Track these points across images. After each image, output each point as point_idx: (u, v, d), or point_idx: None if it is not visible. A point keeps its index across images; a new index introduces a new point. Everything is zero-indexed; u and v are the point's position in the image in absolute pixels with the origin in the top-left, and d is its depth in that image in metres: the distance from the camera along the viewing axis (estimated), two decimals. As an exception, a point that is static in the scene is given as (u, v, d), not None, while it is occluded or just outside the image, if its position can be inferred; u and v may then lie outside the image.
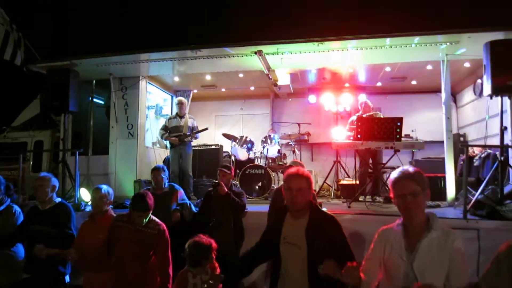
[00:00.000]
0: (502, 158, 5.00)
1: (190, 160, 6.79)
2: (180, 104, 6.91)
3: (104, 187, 3.84)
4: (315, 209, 2.77)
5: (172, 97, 9.07)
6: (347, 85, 8.78)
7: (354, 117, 7.01)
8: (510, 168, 5.50)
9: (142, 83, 7.50)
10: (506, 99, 5.38)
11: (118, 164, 7.20)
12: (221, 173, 4.85)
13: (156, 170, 4.71)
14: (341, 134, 7.46)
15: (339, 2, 5.24)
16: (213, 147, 7.81)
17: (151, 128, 8.13)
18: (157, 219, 3.58)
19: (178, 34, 5.80)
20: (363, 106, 7.01)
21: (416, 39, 5.40)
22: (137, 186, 6.56)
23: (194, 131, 6.80)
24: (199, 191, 6.83)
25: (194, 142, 7.35)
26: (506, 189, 5.18)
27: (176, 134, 6.69)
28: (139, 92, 7.41)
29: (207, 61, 6.47)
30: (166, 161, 7.39)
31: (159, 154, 8.00)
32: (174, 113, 7.27)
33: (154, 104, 8.93)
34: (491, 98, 4.97)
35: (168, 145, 7.16)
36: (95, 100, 7.74)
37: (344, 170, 8.12)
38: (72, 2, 6.15)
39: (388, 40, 5.49)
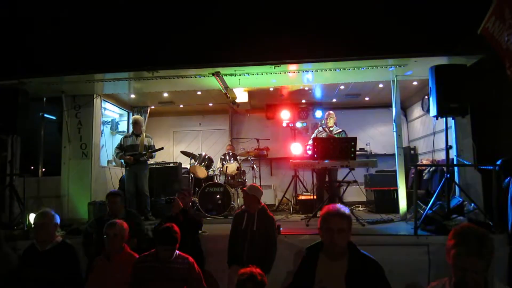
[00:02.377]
0: (448, 175, 5.27)
1: (146, 179, 6.64)
2: (134, 123, 6.75)
3: (120, 223, 3.55)
4: (355, 250, 2.57)
5: (128, 113, 8.86)
6: (304, 101, 9.00)
7: (319, 129, 7.18)
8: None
9: (97, 101, 7.27)
10: (450, 118, 5.72)
11: (71, 185, 6.89)
12: (180, 196, 4.78)
13: (111, 196, 4.52)
14: (299, 150, 7.62)
15: (295, 28, 5.35)
16: (172, 164, 7.69)
17: (106, 146, 7.89)
18: (182, 253, 3.42)
19: (134, 55, 5.67)
20: (327, 118, 7.15)
21: (367, 62, 5.64)
22: (91, 209, 6.32)
23: (149, 150, 6.67)
24: (158, 211, 6.69)
25: (151, 160, 7.21)
26: (453, 203, 5.49)
27: (131, 153, 6.53)
28: (94, 111, 7.16)
29: (165, 80, 6.40)
30: (122, 180, 7.19)
31: (115, 173, 7.76)
32: (130, 131, 7.09)
33: (110, 119, 8.72)
34: (436, 119, 5.25)
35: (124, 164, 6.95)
36: (47, 115, 7.40)
37: (303, 184, 8.28)
38: (22, 21, 5.86)
39: (341, 63, 5.70)
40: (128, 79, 6.47)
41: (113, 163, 7.98)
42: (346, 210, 2.60)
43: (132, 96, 7.95)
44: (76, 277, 3.50)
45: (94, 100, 7.20)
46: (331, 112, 7.16)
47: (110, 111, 8.60)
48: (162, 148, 6.89)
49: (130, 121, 7.17)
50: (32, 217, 5.79)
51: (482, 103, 5.84)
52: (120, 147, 6.66)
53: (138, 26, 5.66)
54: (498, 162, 4.88)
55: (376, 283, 2.45)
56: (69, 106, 7.10)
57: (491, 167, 4.89)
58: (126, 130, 8.65)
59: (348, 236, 2.53)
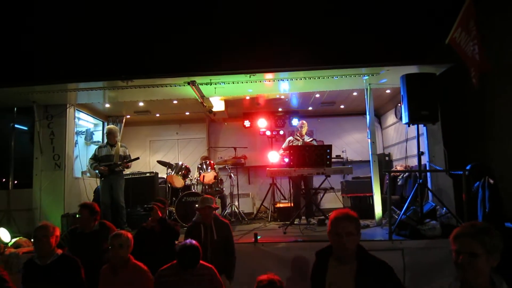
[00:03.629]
0: (420, 181, 5.39)
1: (122, 190, 6.51)
2: (109, 133, 6.62)
3: (125, 233, 3.45)
4: (363, 253, 2.57)
5: (103, 123, 8.70)
6: (280, 109, 9.06)
7: (292, 137, 7.22)
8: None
9: (70, 111, 7.09)
10: (422, 125, 5.88)
11: (43, 197, 6.68)
12: (155, 207, 4.72)
13: (83, 208, 4.39)
14: (276, 158, 7.65)
15: (269, 38, 5.42)
16: (148, 174, 7.56)
17: (80, 156, 7.71)
18: (204, 262, 3.36)
19: (109, 63, 5.61)
20: (300, 126, 7.21)
21: (341, 71, 5.75)
22: (65, 221, 6.15)
23: (125, 160, 6.56)
24: (134, 222, 6.57)
25: (127, 170, 7.09)
26: (426, 208, 5.62)
27: (106, 163, 6.41)
28: (67, 121, 6.98)
29: (140, 90, 6.34)
30: (97, 191, 7.03)
31: (90, 184, 7.58)
32: (104, 142, 6.96)
33: (84, 129, 8.54)
34: (408, 126, 5.38)
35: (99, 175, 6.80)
36: (18, 126, 7.18)
37: (280, 192, 8.30)
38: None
39: (315, 72, 5.78)
40: (103, 89, 6.35)
41: (88, 174, 7.80)
42: (353, 213, 2.60)
43: (107, 105, 7.81)
44: None
45: (67, 110, 7.03)
46: (304, 121, 7.24)
47: (84, 121, 8.41)
48: (137, 158, 6.79)
49: (105, 131, 7.01)
50: (2, 232, 5.61)
51: (452, 110, 6.06)
52: (95, 158, 6.53)
53: (112, 35, 5.62)
54: (468, 167, 5.05)
55: (386, 285, 2.45)
56: (41, 116, 6.91)
57: (461, 172, 5.04)
58: (101, 140, 8.48)
59: (357, 239, 2.53)
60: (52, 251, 3.46)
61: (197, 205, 4.41)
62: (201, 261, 3.38)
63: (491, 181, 4.74)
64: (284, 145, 7.21)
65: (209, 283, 3.26)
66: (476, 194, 4.90)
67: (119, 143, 6.69)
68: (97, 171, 6.53)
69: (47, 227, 3.49)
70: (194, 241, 3.39)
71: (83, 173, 7.65)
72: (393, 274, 2.50)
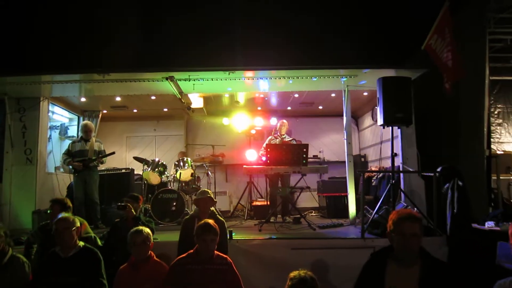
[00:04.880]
0: (393, 181, 5.52)
1: (96, 186, 6.41)
2: (85, 129, 6.49)
3: (145, 229, 3.42)
4: (427, 255, 2.48)
5: (79, 117, 8.53)
6: (259, 108, 9.10)
7: (271, 137, 7.26)
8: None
9: (44, 104, 6.89)
10: (396, 128, 6.02)
11: (14, 193, 6.48)
12: (128, 206, 4.65)
13: (54, 203, 4.30)
14: (254, 156, 7.68)
15: (250, 35, 5.43)
16: (124, 171, 7.48)
17: (54, 151, 7.54)
18: (219, 253, 3.33)
19: (85, 56, 5.50)
20: (280, 126, 7.26)
21: (320, 72, 5.83)
22: (36, 218, 5.98)
23: (100, 155, 6.46)
24: (108, 219, 6.46)
25: (103, 166, 6.99)
26: (398, 208, 5.76)
27: (80, 158, 6.29)
28: (40, 114, 6.78)
29: (117, 84, 6.22)
30: (70, 187, 6.89)
31: (63, 180, 7.42)
32: (79, 136, 6.81)
33: (59, 124, 8.34)
34: (383, 127, 5.51)
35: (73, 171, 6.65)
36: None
37: (257, 190, 8.34)
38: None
39: (294, 72, 5.84)
40: (78, 82, 6.21)
41: (61, 170, 7.64)
42: (417, 213, 2.60)
43: (83, 99, 7.66)
44: (102, 282, 3.36)
45: (41, 103, 6.83)
46: (285, 121, 7.30)
47: (58, 115, 8.24)
48: (113, 153, 6.70)
49: (80, 126, 6.85)
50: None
51: (425, 114, 6.22)
52: (68, 153, 6.39)
53: (89, 26, 5.51)
54: (439, 169, 5.21)
55: None
56: (13, 109, 6.70)
57: (432, 174, 5.19)
58: (76, 135, 8.31)
59: (420, 241, 2.44)
60: (75, 243, 3.45)
61: (196, 198, 4.34)
62: (217, 252, 3.38)
63: (460, 183, 4.90)
64: (264, 144, 7.25)
65: (226, 274, 3.25)
66: (445, 195, 5.07)
67: (93, 138, 6.58)
68: (70, 167, 6.39)
69: (68, 219, 3.47)
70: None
71: (56, 168, 7.48)
72: (458, 277, 2.44)
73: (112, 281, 3.40)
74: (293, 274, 2.70)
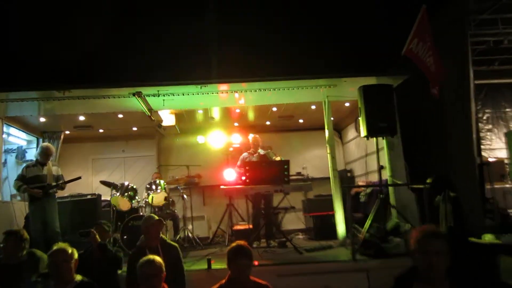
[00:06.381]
0: (382, 196, 5.51)
1: (56, 214, 6.15)
2: (46, 152, 6.26)
3: (156, 258, 3.22)
4: (455, 273, 2.48)
5: (38, 139, 8.31)
6: (236, 124, 9.07)
7: (245, 154, 7.19)
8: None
9: (-3, 126, 6.71)
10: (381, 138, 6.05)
11: (-37, 225, 6.20)
12: (98, 229, 4.50)
13: (8, 236, 4.11)
14: (233, 176, 7.58)
15: (223, 46, 5.41)
16: (89, 197, 7.25)
17: (10, 178, 7.23)
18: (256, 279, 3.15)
19: (43, 71, 5.36)
20: (252, 141, 7.21)
21: (297, 82, 5.87)
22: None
23: (64, 181, 6.25)
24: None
25: (65, 192, 6.78)
26: (390, 225, 5.75)
27: (39, 184, 6.05)
28: (-7, 137, 6.59)
29: (80, 101, 6.13)
30: (28, 217, 6.61)
31: (19, 209, 7.09)
32: (33, 160, 6.55)
33: (15, 147, 8.10)
34: (367, 139, 5.52)
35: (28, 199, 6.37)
36: None
37: (238, 213, 8.20)
38: None
39: (271, 83, 5.87)
40: (37, 99, 6.09)
41: (18, 198, 7.35)
42: (440, 230, 2.52)
43: (42, 119, 7.50)
44: None
45: (-6, 124, 6.64)
46: (257, 136, 7.25)
47: (15, 137, 8.02)
48: (79, 178, 6.47)
49: (39, 149, 6.63)
50: None
51: (411, 123, 6.28)
52: (22, 179, 6.10)
53: (47, 39, 5.39)
54: (428, 181, 5.22)
55: None
56: (-38, 132, 6.48)
57: (422, 186, 5.20)
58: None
59: (448, 259, 2.43)
60: (72, 277, 3.31)
61: (144, 225, 4.19)
62: (254, 278, 3.25)
63: (452, 194, 4.91)
64: (239, 162, 7.17)
65: None
66: (438, 207, 5.07)
67: (50, 162, 6.38)
68: (26, 194, 6.14)
69: (65, 250, 3.32)
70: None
71: (12, 196, 7.19)
72: None
73: None
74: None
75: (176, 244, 4.24)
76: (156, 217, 4.20)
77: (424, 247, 2.43)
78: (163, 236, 4.27)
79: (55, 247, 3.42)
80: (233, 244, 3.23)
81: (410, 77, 5.85)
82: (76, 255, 3.40)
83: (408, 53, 5.07)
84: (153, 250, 4.04)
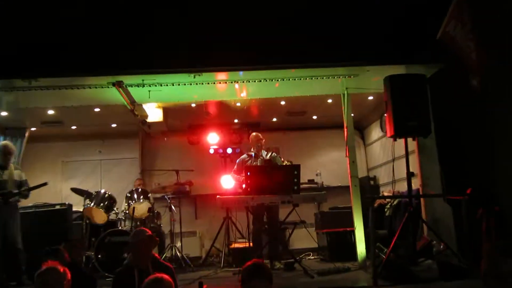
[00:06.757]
0: (411, 209, 5.53)
1: (18, 228, 6.23)
2: (4, 151, 6.34)
3: (165, 277, 3.21)
4: None
5: (-2, 137, 8.40)
6: (236, 121, 9.11)
7: (244, 156, 7.21)
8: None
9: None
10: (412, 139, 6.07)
11: None
12: (68, 246, 4.59)
13: None
14: (231, 183, 7.62)
15: (220, 26, 5.44)
16: (58, 207, 7.32)
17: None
18: None
19: (4, 56, 5.43)
20: (253, 140, 7.20)
21: (311, 71, 5.91)
22: None
23: (28, 188, 6.32)
24: (37, 270, 6.27)
25: (29, 201, 6.89)
26: (420, 244, 5.77)
27: (-2, 192, 6.13)
28: None
29: (49, 92, 6.18)
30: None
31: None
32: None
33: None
34: (395, 140, 5.55)
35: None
36: None
37: (237, 228, 8.24)
38: None
39: (279, 72, 5.92)
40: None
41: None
42: None
43: (4, 113, 7.60)
44: None
45: None
46: (259, 134, 7.20)
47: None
48: (45, 184, 6.54)
49: (-1, 147, 6.73)
50: None
51: (448, 121, 6.28)
52: (-24, 185, 6.21)
53: (8, 17, 5.45)
54: (468, 191, 5.23)
55: None
56: None
57: (462, 198, 5.21)
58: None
59: None
60: None
61: (131, 241, 4.20)
62: None
63: (496, 208, 4.93)
64: (236, 166, 7.20)
65: None
66: (480, 223, 5.07)
67: (12, 165, 6.45)
68: None
69: (57, 270, 3.28)
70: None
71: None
72: None
73: None
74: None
75: (170, 265, 4.27)
76: (148, 232, 4.22)
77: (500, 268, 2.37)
78: (156, 255, 4.31)
79: (44, 266, 3.42)
80: (249, 263, 3.18)
81: (447, 66, 5.86)
82: (69, 275, 3.40)
83: (444, 37, 5.09)
84: (143, 272, 4.08)
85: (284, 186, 5.75)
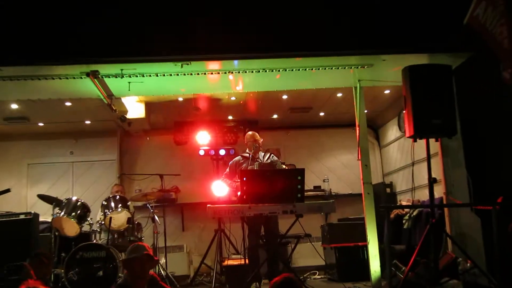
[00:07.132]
0: (433, 221, 5.54)
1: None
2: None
3: None
4: None
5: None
6: (230, 117, 9.13)
7: (239, 158, 7.21)
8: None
9: None
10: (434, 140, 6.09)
11: None
12: (34, 263, 4.61)
13: None
14: (223, 190, 7.63)
15: (213, 8, 5.45)
16: (22, 217, 7.32)
17: None
18: None
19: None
20: (248, 140, 7.18)
21: (318, 60, 5.92)
22: None
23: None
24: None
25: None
26: (444, 262, 5.79)
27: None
28: None
29: (12, 83, 6.17)
30: None
31: None
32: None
33: None
34: (415, 140, 5.56)
35: None
36: None
37: (230, 242, 8.25)
38: None
39: (281, 62, 5.91)
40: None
41: None
42: None
43: (-41, 108, 7.59)
44: None
45: None
46: (255, 133, 7.20)
47: None
48: (8, 190, 6.59)
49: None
50: None
51: (477, 119, 6.30)
52: None
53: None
54: (500, 200, 5.25)
55: None
56: None
57: (491, 208, 5.23)
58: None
59: None
60: None
61: (125, 258, 4.33)
62: None
63: (531, 220, 4.96)
64: (228, 169, 7.22)
65: None
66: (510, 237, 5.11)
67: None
68: None
69: None
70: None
71: None
72: None
73: None
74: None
75: (166, 286, 4.34)
76: (146, 249, 4.26)
77: None
78: (154, 274, 4.38)
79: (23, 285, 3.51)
80: (278, 278, 3.29)
81: (475, 56, 5.88)
82: None
83: (472, 22, 5.11)
84: None
85: (286, 193, 5.75)
